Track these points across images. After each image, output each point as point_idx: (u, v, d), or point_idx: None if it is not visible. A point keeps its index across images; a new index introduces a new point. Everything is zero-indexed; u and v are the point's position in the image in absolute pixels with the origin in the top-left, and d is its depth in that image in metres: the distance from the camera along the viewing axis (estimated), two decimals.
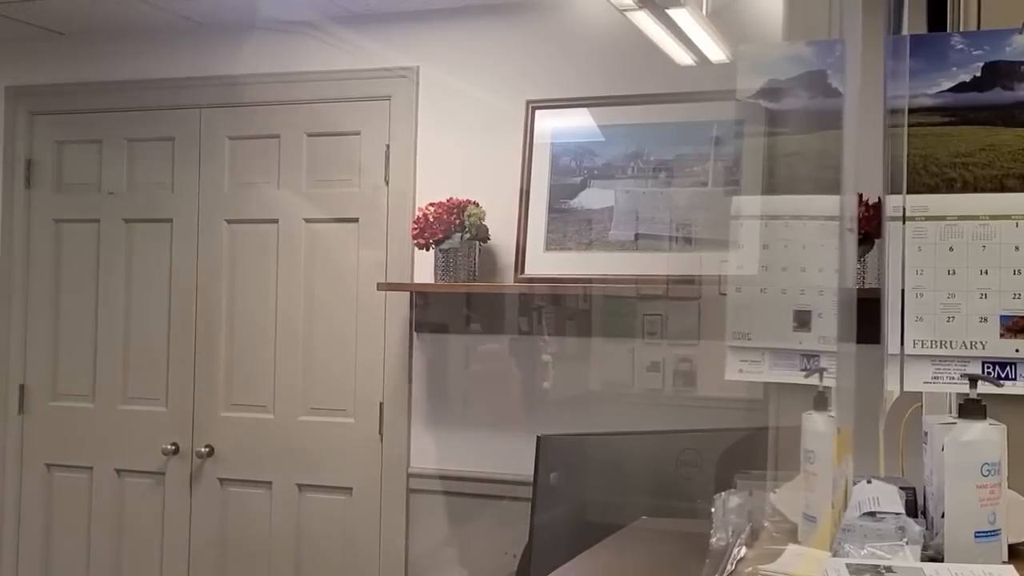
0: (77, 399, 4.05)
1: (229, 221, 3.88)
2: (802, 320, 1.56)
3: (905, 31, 1.72)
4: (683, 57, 3.25)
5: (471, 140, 3.58)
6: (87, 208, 4.06)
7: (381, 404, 3.67)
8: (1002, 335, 1.57)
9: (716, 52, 3.17)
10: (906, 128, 1.62)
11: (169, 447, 3.89)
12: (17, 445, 4.10)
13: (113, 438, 3.99)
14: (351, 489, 3.70)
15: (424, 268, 3.56)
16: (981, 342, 1.57)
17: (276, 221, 3.82)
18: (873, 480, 1.50)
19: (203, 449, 3.86)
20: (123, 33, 3.96)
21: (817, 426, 1.41)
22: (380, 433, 3.67)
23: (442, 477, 3.58)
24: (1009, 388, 1.54)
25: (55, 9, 3.68)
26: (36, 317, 4.11)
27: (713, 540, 1.53)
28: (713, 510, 1.58)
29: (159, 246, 3.96)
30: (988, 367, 1.57)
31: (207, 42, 3.88)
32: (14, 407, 4.10)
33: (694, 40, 3.14)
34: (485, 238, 3.46)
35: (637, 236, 3.32)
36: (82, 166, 4.07)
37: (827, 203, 1.54)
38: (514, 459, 3.33)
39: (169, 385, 3.93)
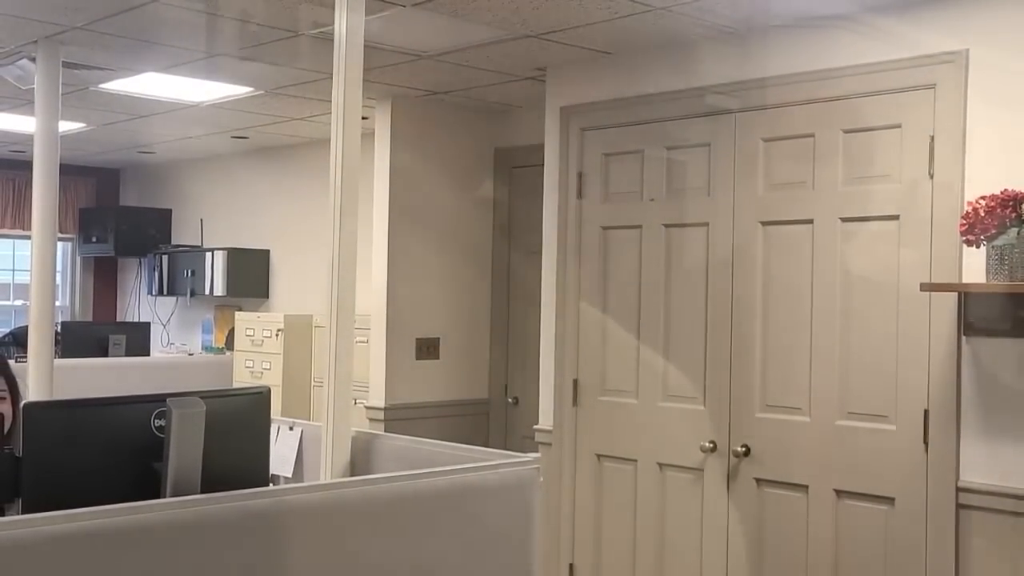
0: (622, 395, 4.32)
1: (763, 223, 3.89)
2: None
3: None
4: None
5: None
6: (630, 215, 4.31)
7: (926, 412, 3.45)
8: None
9: None
10: None
11: (707, 445, 4.00)
12: (572, 435, 4.48)
13: (655, 433, 4.20)
14: (893, 499, 3.53)
15: (974, 266, 3.29)
16: None
17: (811, 221, 3.76)
18: None
19: (740, 448, 3.91)
20: (663, 48, 4.15)
21: None
22: (925, 442, 3.46)
23: (998, 494, 3.27)
24: None
25: (604, 31, 3.97)
26: (587, 317, 4.45)
27: None
28: None
29: (696, 250, 4.09)
30: None
31: (741, 47, 3.94)
32: (569, 400, 4.49)
33: None
34: None
35: None
36: (625, 175, 4.34)
37: None
38: None
39: (707, 384, 4.04)
